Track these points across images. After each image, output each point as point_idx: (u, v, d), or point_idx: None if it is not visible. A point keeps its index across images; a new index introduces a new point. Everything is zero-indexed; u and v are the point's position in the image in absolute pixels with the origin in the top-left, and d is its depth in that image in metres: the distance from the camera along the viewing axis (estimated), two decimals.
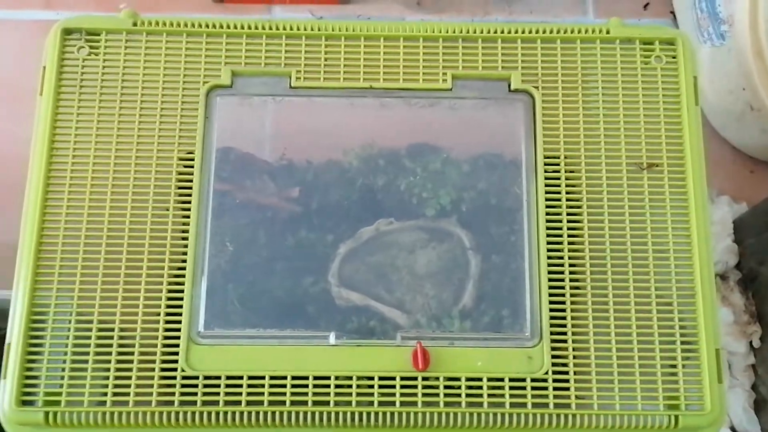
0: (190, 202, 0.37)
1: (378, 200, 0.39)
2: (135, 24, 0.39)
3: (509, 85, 0.39)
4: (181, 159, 0.38)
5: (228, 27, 0.39)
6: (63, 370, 0.35)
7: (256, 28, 0.39)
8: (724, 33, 0.53)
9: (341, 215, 0.38)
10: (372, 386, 0.35)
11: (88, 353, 0.35)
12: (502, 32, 0.39)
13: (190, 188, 0.37)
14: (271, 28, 0.39)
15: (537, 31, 0.39)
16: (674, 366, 0.36)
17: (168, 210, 0.37)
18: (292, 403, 0.35)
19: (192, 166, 0.38)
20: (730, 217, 0.54)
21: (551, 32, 0.39)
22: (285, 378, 0.35)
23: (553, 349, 0.36)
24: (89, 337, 0.35)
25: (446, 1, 0.63)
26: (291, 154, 0.39)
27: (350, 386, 0.35)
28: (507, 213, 0.38)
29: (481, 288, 0.37)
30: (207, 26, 0.39)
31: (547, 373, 0.35)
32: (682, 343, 0.36)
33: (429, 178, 0.39)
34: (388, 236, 0.39)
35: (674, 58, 0.39)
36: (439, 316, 0.37)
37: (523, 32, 0.39)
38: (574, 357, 0.35)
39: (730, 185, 0.58)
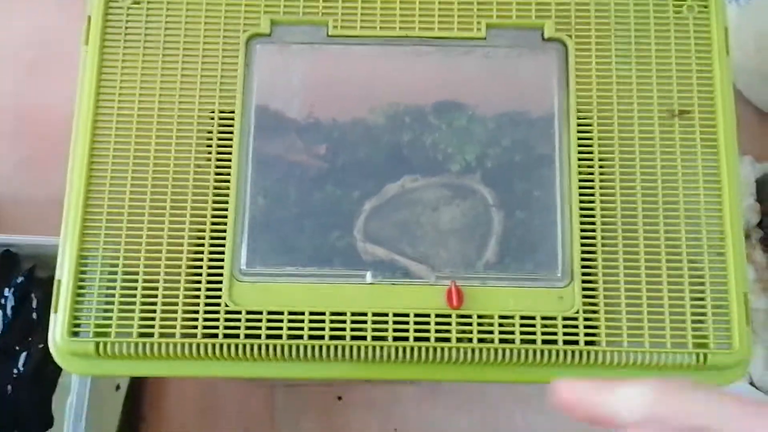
0: (231, 147, 0.38)
1: (403, 157, 0.40)
2: None
3: (542, 34, 0.39)
4: (221, 108, 0.39)
5: None
6: (112, 303, 0.36)
7: None
8: None
9: (367, 172, 0.39)
10: (407, 323, 0.36)
11: (136, 288, 0.36)
12: None
13: (231, 134, 0.38)
14: None
15: None
16: (703, 307, 0.36)
17: (210, 158, 0.38)
18: (331, 337, 0.36)
19: (232, 115, 0.39)
20: (752, 176, 0.55)
21: None
22: (323, 314, 0.36)
23: (583, 289, 0.36)
24: (137, 273, 0.37)
25: None
26: (318, 111, 0.40)
27: (386, 322, 0.36)
28: (531, 169, 0.39)
29: (504, 243, 0.38)
30: None
31: (577, 312, 0.36)
32: (711, 284, 0.37)
33: (454, 134, 0.40)
34: (413, 193, 0.40)
35: (706, 8, 0.40)
36: (464, 269, 0.38)
37: None
38: (605, 297, 0.36)
39: (754, 145, 0.58)
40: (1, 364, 0.46)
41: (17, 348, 0.46)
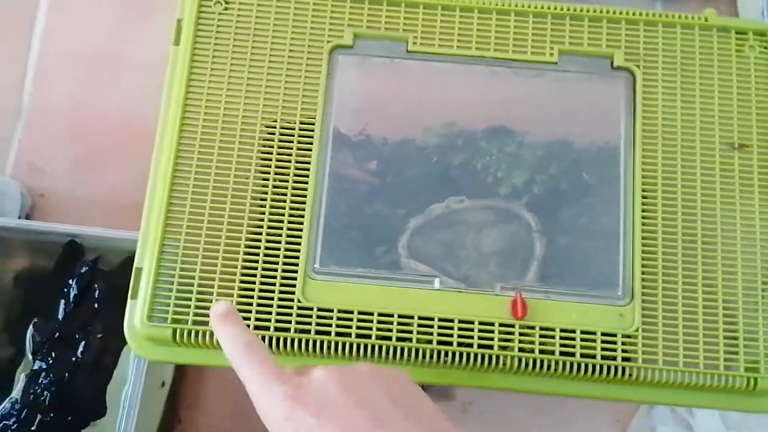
0: (311, 150, 0.40)
1: (452, 178, 0.41)
2: None
3: (612, 63, 0.41)
4: (303, 109, 0.41)
5: None
6: (191, 292, 0.38)
7: None
8: None
9: (414, 191, 0.41)
10: (472, 330, 0.38)
11: (213, 279, 0.38)
12: (607, 13, 0.42)
13: (311, 140, 0.40)
14: None
15: (640, 14, 0.42)
16: (756, 332, 0.38)
17: (290, 158, 0.40)
18: (398, 339, 0.37)
19: (313, 120, 0.40)
20: None
21: (653, 16, 0.42)
22: (392, 316, 0.38)
23: (643, 309, 0.38)
24: (215, 265, 0.38)
25: None
26: (372, 129, 0.42)
27: (452, 328, 0.38)
28: (576, 197, 0.40)
29: (545, 268, 0.40)
30: None
31: (637, 330, 0.37)
32: (764, 311, 0.38)
33: (504, 159, 0.41)
34: (458, 214, 0.41)
35: (766, 48, 0.42)
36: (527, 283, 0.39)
37: (626, 14, 0.42)
38: (663, 318, 0.38)
39: None
40: (61, 350, 0.47)
41: (77, 336, 0.47)
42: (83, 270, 0.49)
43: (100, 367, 0.47)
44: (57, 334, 0.48)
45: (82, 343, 0.48)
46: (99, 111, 0.67)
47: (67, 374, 0.47)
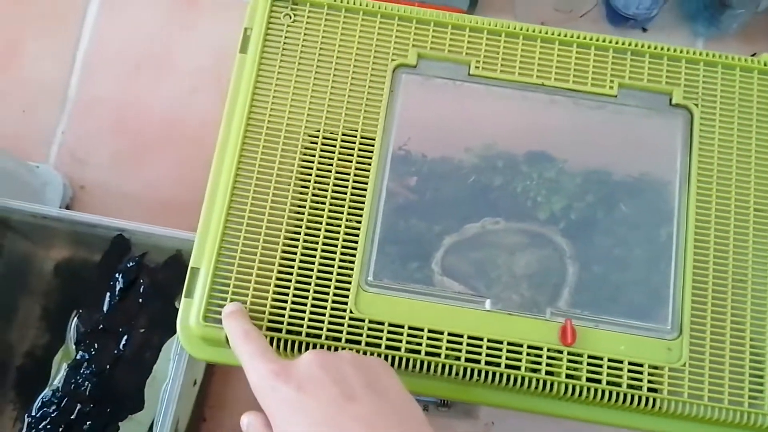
0: (370, 165, 0.41)
1: (489, 199, 0.42)
2: (335, 0, 0.44)
3: (670, 100, 0.42)
4: (364, 127, 0.41)
5: (417, 14, 0.43)
6: (246, 296, 0.38)
7: (443, 18, 0.43)
8: None
9: (451, 209, 0.41)
10: (520, 353, 0.38)
11: (269, 284, 0.39)
12: (668, 50, 0.43)
13: (371, 157, 0.41)
14: (456, 20, 0.43)
15: (701, 54, 0.42)
16: None
17: (349, 171, 0.41)
18: (447, 356, 0.38)
19: (374, 136, 0.41)
20: None
21: (713, 56, 0.42)
22: (442, 333, 0.38)
23: (691, 343, 0.38)
24: (271, 271, 0.39)
25: (566, 25, 0.67)
26: (413, 144, 0.42)
27: (500, 350, 0.38)
28: (612, 227, 0.41)
29: (578, 295, 0.40)
30: (399, 11, 0.43)
31: (684, 364, 0.38)
32: None
33: (543, 184, 0.42)
34: (492, 235, 0.42)
35: None
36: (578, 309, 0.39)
37: (687, 53, 0.43)
38: (711, 354, 0.38)
39: None
40: (102, 342, 0.48)
41: (120, 330, 0.48)
42: (130, 264, 0.50)
43: (140, 362, 0.48)
44: (101, 326, 0.49)
45: (125, 336, 0.48)
46: (141, 109, 0.69)
47: (108, 366, 0.48)
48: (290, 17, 0.43)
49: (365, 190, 0.40)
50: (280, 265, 0.39)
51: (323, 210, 0.40)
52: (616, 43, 0.43)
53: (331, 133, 0.41)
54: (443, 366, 0.38)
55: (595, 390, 0.37)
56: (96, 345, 0.48)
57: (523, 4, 0.65)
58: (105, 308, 0.49)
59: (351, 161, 0.41)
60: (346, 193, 0.40)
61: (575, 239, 0.41)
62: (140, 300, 0.49)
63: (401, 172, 0.42)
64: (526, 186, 0.42)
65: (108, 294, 0.49)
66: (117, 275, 0.49)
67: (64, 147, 0.67)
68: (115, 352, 0.48)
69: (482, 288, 0.40)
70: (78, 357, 0.48)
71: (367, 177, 0.41)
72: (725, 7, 0.63)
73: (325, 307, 0.38)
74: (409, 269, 0.40)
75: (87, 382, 0.47)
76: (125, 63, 0.70)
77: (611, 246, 0.41)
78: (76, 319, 0.49)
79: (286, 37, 0.43)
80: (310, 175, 0.41)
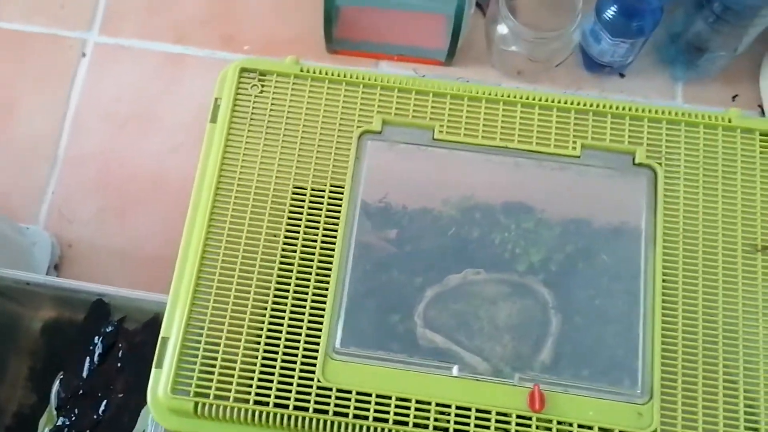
0: (336, 232, 0.41)
1: (469, 250, 0.42)
2: (302, 70, 0.45)
3: (634, 159, 0.42)
4: (331, 193, 0.42)
5: (382, 81, 0.44)
6: (214, 366, 0.39)
7: (407, 84, 0.44)
8: None
9: (432, 261, 0.42)
10: (489, 419, 0.38)
11: (237, 355, 0.39)
12: (630, 110, 0.43)
13: (337, 222, 0.41)
14: (420, 86, 0.44)
15: (663, 112, 0.43)
16: None
17: (316, 238, 0.41)
18: (415, 425, 0.38)
19: (340, 201, 0.42)
20: None
21: (676, 114, 0.43)
22: (410, 401, 0.38)
23: (662, 408, 0.38)
24: (239, 341, 0.39)
25: (543, 74, 0.68)
26: (392, 198, 0.43)
27: (469, 417, 0.38)
28: (594, 278, 0.41)
29: (561, 346, 0.40)
30: (364, 78, 0.44)
31: (655, 430, 0.37)
32: None
33: (522, 235, 0.42)
34: (474, 286, 0.42)
35: None
36: (518, 368, 0.39)
37: (649, 112, 0.43)
38: (683, 419, 0.38)
39: None
40: (82, 408, 0.48)
41: (99, 395, 0.49)
42: (108, 329, 0.50)
43: (119, 427, 0.48)
44: (81, 391, 0.49)
45: (104, 401, 0.49)
46: (126, 165, 0.70)
47: (88, 431, 0.48)
48: (258, 87, 0.44)
49: (332, 258, 0.41)
50: (248, 334, 0.39)
51: (290, 278, 0.40)
52: (578, 104, 0.43)
53: (299, 201, 0.42)
54: None
55: None
56: (76, 410, 0.48)
57: (499, 55, 0.66)
58: (85, 373, 0.49)
59: (318, 228, 0.41)
60: (313, 261, 0.41)
61: (557, 290, 0.41)
62: (119, 364, 0.49)
63: (380, 225, 0.42)
64: (504, 237, 0.42)
65: (88, 359, 0.50)
66: (96, 340, 0.50)
67: (53, 206, 0.68)
68: (95, 417, 0.48)
69: (464, 340, 0.40)
70: (59, 423, 0.48)
71: (334, 245, 0.41)
72: (702, 52, 0.64)
73: (293, 377, 0.38)
74: (391, 322, 0.40)
75: None
76: (112, 120, 0.71)
77: (593, 297, 0.41)
78: (57, 383, 0.50)
79: (253, 107, 0.44)
80: (278, 242, 0.41)
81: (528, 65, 0.65)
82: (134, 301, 0.51)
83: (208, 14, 0.74)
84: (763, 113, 0.66)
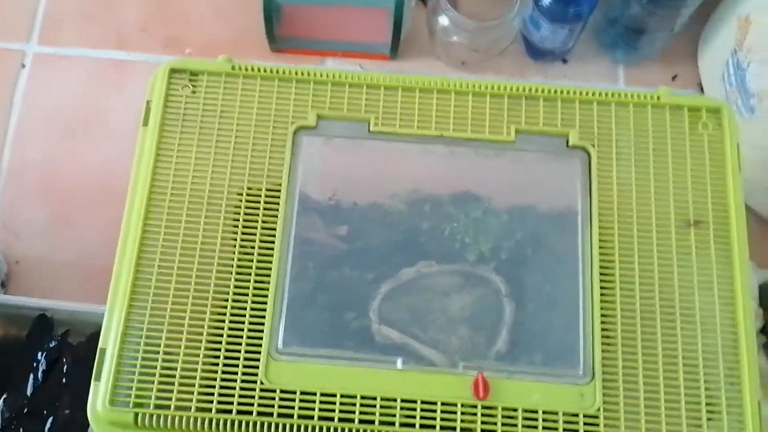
0: (275, 230, 0.41)
1: (420, 243, 0.42)
2: (233, 68, 0.44)
3: (567, 142, 0.43)
4: (268, 191, 0.42)
5: (315, 75, 0.44)
6: (153, 375, 0.38)
7: (340, 77, 0.44)
8: (754, 106, 0.57)
9: (384, 256, 0.41)
10: (435, 410, 0.38)
11: (176, 362, 0.38)
12: (561, 93, 0.43)
13: (275, 219, 0.41)
14: (353, 79, 0.44)
15: (593, 94, 0.43)
16: (719, 412, 0.38)
17: (255, 238, 0.41)
18: (361, 421, 0.37)
19: (278, 199, 0.41)
20: (756, 282, 0.57)
21: (606, 96, 0.43)
22: (355, 397, 0.38)
23: (604, 388, 0.38)
24: (179, 347, 0.38)
25: (487, 63, 0.68)
26: (341, 195, 0.42)
27: (414, 409, 0.38)
28: (543, 263, 0.41)
29: (515, 333, 0.40)
30: (296, 74, 0.44)
31: (598, 410, 0.38)
32: (726, 389, 0.38)
33: (471, 225, 0.42)
34: (428, 279, 0.42)
35: (719, 125, 0.43)
36: (476, 357, 0.39)
37: (580, 94, 0.43)
38: (625, 397, 0.38)
39: (756, 251, 0.60)
40: (28, 426, 0.47)
41: (45, 412, 0.47)
42: (52, 345, 0.49)
43: None
44: (26, 409, 0.48)
45: (50, 419, 0.47)
46: (73, 174, 0.68)
47: None
48: (189, 88, 0.44)
49: (271, 257, 0.40)
50: (188, 340, 0.39)
51: (229, 280, 0.40)
52: (510, 89, 0.43)
53: (236, 201, 0.41)
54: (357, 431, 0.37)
55: None
56: (21, 430, 0.47)
57: (442, 46, 0.66)
58: (29, 391, 0.48)
59: (256, 228, 0.41)
60: (252, 262, 0.40)
61: (508, 277, 0.41)
62: (63, 380, 0.48)
63: (330, 223, 0.42)
64: (454, 228, 0.42)
65: (32, 376, 0.48)
66: (40, 356, 0.49)
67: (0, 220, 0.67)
68: None
69: (420, 333, 0.40)
70: None
71: (273, 244, 0.41)
72: (640, 33, 0.65)
73: (235, 380, 0.38)
74: (345, 320, 0.40)
75: None
76: (56, 130, 0.70)
77: (543, 283, 0.41)
78: (1, 403, 0.48)
79: (185, 108, 0.43)
80: (215, 245, 0.40)
81: (471, 55, 0.65)
82: (78, 314, 0.50)
83: (148, 19, 0.73)
84: (702, 91, 0.67)
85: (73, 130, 0.70)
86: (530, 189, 0.43)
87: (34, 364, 0.48)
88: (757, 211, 0.62)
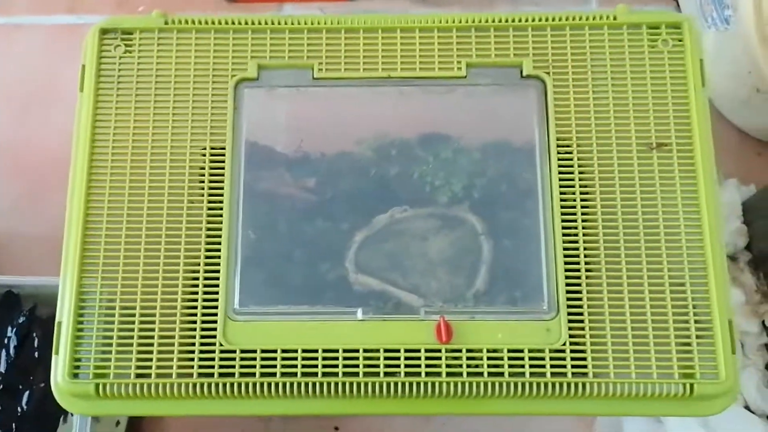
0: (222, 190, 0.39)
1: (391, 189, 0.41)
2: (166, 23, 0.42)
3: (521, 72, 0.41)
4: (212, 149, 0.40)
5: (253, 23, 0.42)
6: (110, 344, 0.37)
7: (280, 23, 0.42)
8: (729, 18, 0.55)
9: (356, 204, 0.40)
10: (398, 358, 0.37)
11: (133, 330, 0.37)
12: (513, 21, 0.41)
13: (222, 177, 0.40)
14: (293, 23, 0.42)
15: (546, 19, 0.41)
16: (688, 337, 0.37)
17: (202, 198, 0.39)
18: (324, 374, 0.37)
19: (223, 156, 0.40)
20: (738, 199, 0.56)
21: (560, 20, 0.41)
22: (316, 351, 0.37)
23: (569, 321, 0.37)
24: (133, 315, 0.38)
25: None
26: (307, 145, 0.41)
27: (378, 358, 0.37)
28: (517, 198, 0.40)
29: (494, 272, 0.39)
30: (233, 23, 0.42)
31: (564, 344, 0.37)
32: (695, 314, 0.37)
33: (441, 166, 0.41)
34: (402, 224, 0.40)
35: (680, 41, 0.41)
36: (455, 300, 0.38)
37: (533, 20, 0.41)
38: (590, 329, 0.37)
39: (738, 168, 0.59)
40: (4, 402, 0.47)
41: (20, 387, 0.47)
42: (21, 320, 0.49)
43: (45, 416, 0.47)
44: (0, 386, 0.48)
45: (26, 393, 0.47)
46: (38, 147, 0.67)
47: (14, 426, 0.47)
48: (122, 47, 0.41)
49: (221, 214, 0.39)
50: (142, 307, 0.38)
51: (179, 243, 0.39)
52: (459, 21, 0.41)
53: (179, 158, 0.40)
54: (321, 384, 0.37)
55: (477, 384, 0.37)
56: None
57: None
58: (2, 368, 0.48)
59: (203, 188, 0.39)
60: (201, 222, 0.39)
61: (485, 215, 0.40)
62: (36, 354, 0.48)
63: (298, 175, 0.41)
64: (423, 171, 0.41)
65: (3, 352, 0.48)
66: (10, 332, 0.48)
67: None
68: (18, 410, 0.47)
69: (399, 279, 0.39)
70: None
71: (221, 199, 0.39)
72: None
73: (194, 344, 0.37)
74: (321, 271, 0.39)
75: None
76: (16, 103, 0.68)
77: (519, 218, 0.39)
78: None
79: (120, 70, 0.41)
80: (162, 204, 0.39)
81: None
82: (45, 288, 0.49)
83: None
84: (678, 7, 0.64)
85: (32, 103, 0.68)
86: (486, 124, 0.41)
87: (5, 341, 0.48)
88: (737, 124, 0.60)
